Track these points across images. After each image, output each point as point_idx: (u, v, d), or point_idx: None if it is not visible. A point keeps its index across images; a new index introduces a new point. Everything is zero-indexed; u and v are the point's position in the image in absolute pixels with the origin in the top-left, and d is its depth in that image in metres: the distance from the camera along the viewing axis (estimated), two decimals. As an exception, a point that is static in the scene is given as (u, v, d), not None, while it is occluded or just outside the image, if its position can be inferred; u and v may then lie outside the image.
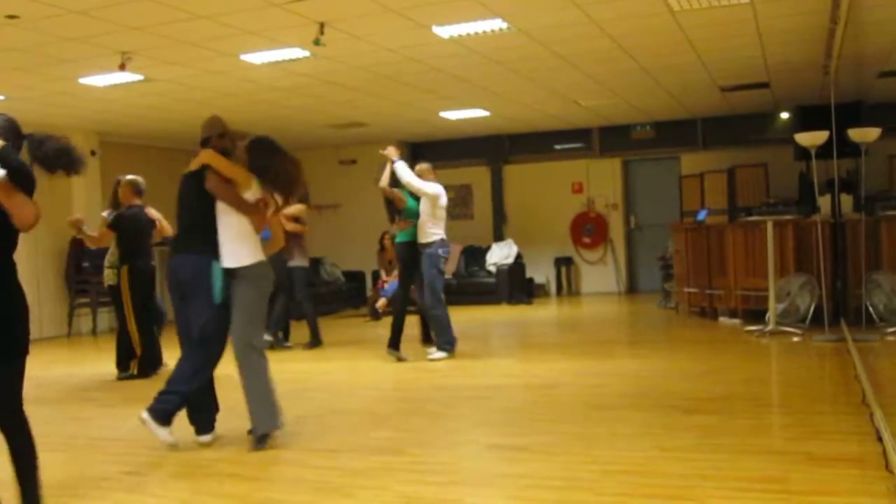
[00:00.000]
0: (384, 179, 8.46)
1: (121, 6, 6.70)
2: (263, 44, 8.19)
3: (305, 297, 9.96)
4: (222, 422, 5.34)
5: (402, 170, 8.31)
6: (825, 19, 7.82)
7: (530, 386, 6.79)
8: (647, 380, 7.03)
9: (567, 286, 15.90)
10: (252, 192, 5.06)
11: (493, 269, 14.97)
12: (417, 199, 8.58)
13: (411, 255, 8.50)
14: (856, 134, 8.81)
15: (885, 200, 9.36)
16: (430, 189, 8.36)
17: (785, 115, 13.19)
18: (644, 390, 6.59)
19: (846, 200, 10.09)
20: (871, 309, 8.85)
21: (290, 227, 9.40)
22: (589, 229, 15.75)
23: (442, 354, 8.41)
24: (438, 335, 8.53)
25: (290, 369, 8.39)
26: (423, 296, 8.53)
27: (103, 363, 8.74)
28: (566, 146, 15.70)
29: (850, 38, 7.82)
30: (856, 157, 9.97)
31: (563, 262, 15.85)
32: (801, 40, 8.88)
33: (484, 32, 8.16)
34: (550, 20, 7.87)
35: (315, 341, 9.94)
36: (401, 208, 8.62)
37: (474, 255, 15.29)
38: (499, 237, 15.87)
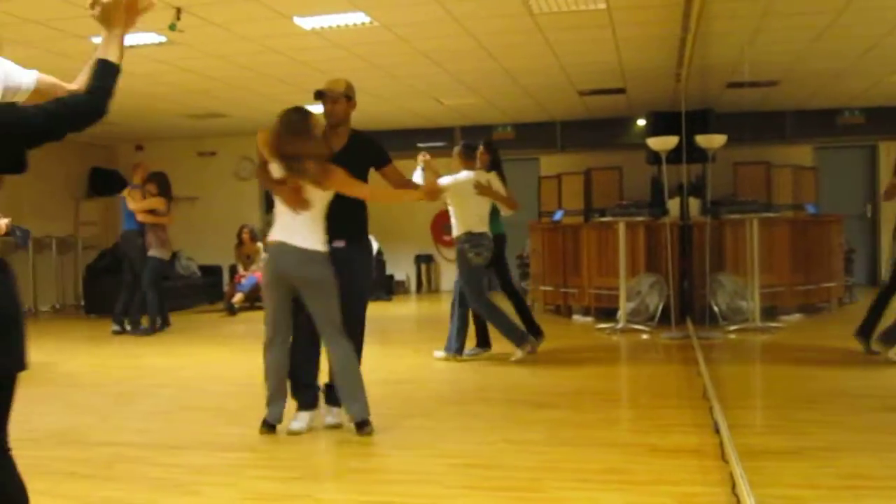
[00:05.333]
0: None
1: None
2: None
3: (151, 287, 10.02)
4: (66, 419, 5.08)
5: (446, 179, 7.60)
6: (677, 28, 8.11)
7: (384, 381, 6.76)
8: (499, 375, 7.13)
9: (427, 283, 15.96)
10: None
11: (353, 265, 14.86)
12: None
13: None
14: (703, 140, 9.18)
15: (730, 205, 9.77)
16: (463, 177, 7.89)
17: (641, 122, 13.63)
18: (495, 385, 6.69)
19: (694, 204, 10.50)
20: (714, 308, 9.25)
21: (148, 218, 10.00)
22: (450, 227, 15.79)
23: (519, 354, 7.65)
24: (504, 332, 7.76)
25: (140, 364, 8.13)
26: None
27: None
28: (429, 144, 15.72)
29: (699, 47, 8.13)
30: (703, 162, 10.39)
31: (424, 260, 15.91)
32: (655, 48, 9.18)
33: (346, 26, 8.09)
34: (413, 16, 7.87)
35: (151, 328, 10.12)
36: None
37: (335, 251, 15.12)
38: (360, 234, 15.72)
